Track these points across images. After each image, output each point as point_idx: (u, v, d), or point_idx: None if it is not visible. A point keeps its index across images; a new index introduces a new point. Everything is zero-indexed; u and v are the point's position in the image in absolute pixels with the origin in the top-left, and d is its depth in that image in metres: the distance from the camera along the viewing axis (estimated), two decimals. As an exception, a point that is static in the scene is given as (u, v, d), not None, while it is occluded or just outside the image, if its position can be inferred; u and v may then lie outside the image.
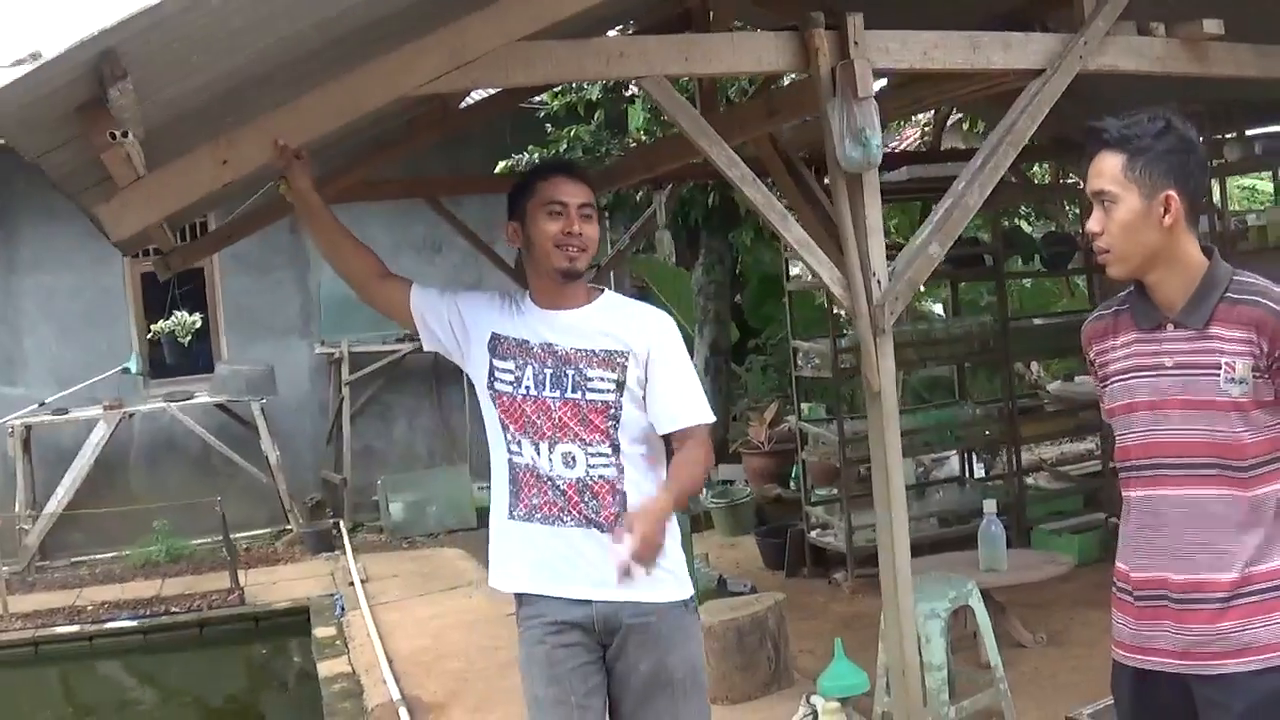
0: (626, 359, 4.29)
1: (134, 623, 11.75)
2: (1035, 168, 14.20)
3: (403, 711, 8.20)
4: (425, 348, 4.60)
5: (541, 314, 4.38)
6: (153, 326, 15.02)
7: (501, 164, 13.54)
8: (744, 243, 14.45)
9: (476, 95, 8.55)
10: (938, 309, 15.98)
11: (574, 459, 4.28)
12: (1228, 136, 10.05)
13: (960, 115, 13.89)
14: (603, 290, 4.50)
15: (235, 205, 8.83)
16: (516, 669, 4.53)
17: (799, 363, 10.99)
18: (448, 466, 15.53)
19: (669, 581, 4.32)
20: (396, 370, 15.82)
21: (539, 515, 4.31)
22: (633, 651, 4.27)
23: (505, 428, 4.36)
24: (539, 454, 4.30)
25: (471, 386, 4.58)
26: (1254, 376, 3.43)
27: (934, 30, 5.54)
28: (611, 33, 8.83)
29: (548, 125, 13.70)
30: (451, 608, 11.01)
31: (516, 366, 4.34)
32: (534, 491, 4.32)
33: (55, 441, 14.55)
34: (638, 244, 12.62)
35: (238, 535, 13.34)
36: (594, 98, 13.17)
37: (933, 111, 12.04)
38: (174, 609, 11.93)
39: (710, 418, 4.44)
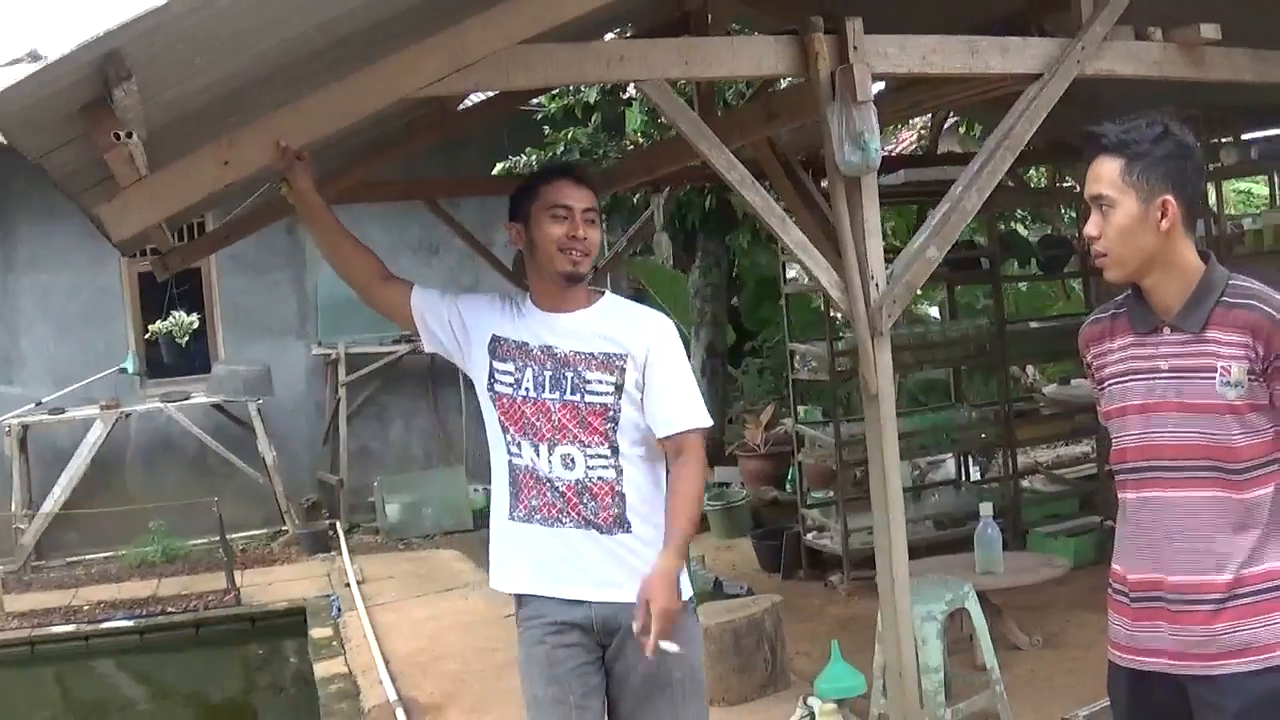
0: (625, 362, 4.30)
1: (130, 623, 11.74)
2: (1032, 171, 14.23)
3: (399, 712, 8.20)
4: (426, 349, 4.62)
5: (542, 316, 4.40)
6: (150, 326, 15.02)
7: (499, 166, 13.55)
8: (741, 245, 14.45)
9: (475, 97, 8.56)
10: (934, 312, 15.99)
11: (573, 461, 4.30)
12: (1224, 140, 10.06)
13: (957, 119, 13.90)
14: (603, 293, 4.52)
15: (233, 206, 8.84)
16: (513, 670, 4.55)
17: (796, 365, 11.00)
18: (444, 468, 15.53)
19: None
20: (393, 372, 15.83)
21: (538, 516, 4.33)
22: (631, 652, 4.28)
23: (505, 429, 4.38)
24: (538, 456, 4.32)
25: (468, 388, 4.62)
26: (1249, 380, 3.45)
27: (932, 35, 5.55)
28: (609, 36, 8.85)
29: (545, 127, 13.69)
30: (448, 609, 11.02)
31: (516, 369, 4.36)
32: (533, 493, 4.34)
33: (52, 441, 14.54)
34: (635, 246, 12.63)
35: (234, 536, 13.32)
36: (591, 100, 13.17)
37: (929, 115, 12.05)
38: (170, 609, 11.92)
39: (707, 421, 4.45)
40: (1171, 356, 3.56)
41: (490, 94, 8.42)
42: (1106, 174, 3.54)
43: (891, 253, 5.75)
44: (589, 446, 4.30)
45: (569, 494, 4.29)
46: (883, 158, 5.38)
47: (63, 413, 14.31)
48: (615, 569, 4.30)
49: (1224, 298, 3.52)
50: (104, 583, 13.25)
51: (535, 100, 13.03)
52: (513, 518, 4.38)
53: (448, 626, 10.39)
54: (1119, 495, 3.74)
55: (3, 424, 14.18)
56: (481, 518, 14.26)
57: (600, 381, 4.29)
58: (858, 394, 11.50)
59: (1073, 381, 12.16)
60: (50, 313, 14.93)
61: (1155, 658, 3.59)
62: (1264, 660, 3.45)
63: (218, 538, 12.47)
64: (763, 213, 5.47)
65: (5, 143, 3.99)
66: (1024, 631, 8.28)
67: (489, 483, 4.59)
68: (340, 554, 13.57)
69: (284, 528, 14.78)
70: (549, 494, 4.31)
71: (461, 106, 8.95)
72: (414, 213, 12.75)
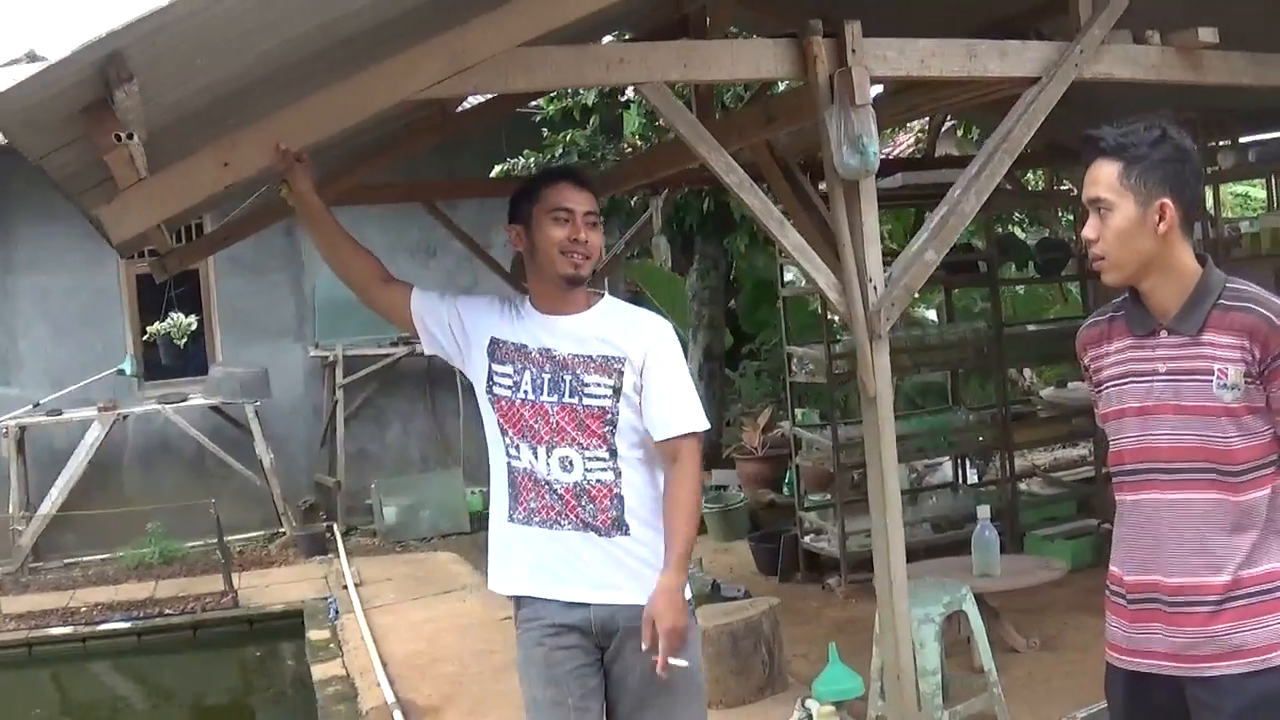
0: (623, 365, 4.31)
1: (128, 625, 11.75)
2: (1029, 174, 14.23)
3: (397, 715, 8.20)
4: (426, 351, 4.62)
5: (541, 319, 4.41)
6: (149, 328, 15.01)
7: (497, 168, 13.56)
8: (738, 248, 14.46)
9: (474, 99, 8.57)
10: (931, 315, 16.00)
11: (571, 463, 4.31)
12: (1222, 144, 10.07)
13: (954, 122, 13.91)
14: (602, 295, 4.52)
15: (231, 207, 8.84)
16: (511, 673, 4.56)
17: (793, 368, 11.01)
18: (441, 470, 15.53)
19: (667, 586, 4.35)
20: (391, 374, 15.83)
21: (537, 519, 4.34)
22: (630, 654, 4.29)
23: (504, 432, 4.38)
24: (536, 458, 4.33)
25: (465, 391, 4.63)
26: (1246, 382, 3.46)
27: (931, 38, 5.56)
28: (607, 38, 8.86)
29: (543, 130, 13.71)
30: (445, 611, 11.02)
31: (515, 371, 4.36)
32: (532, 495, 4.34)
33: (49, 442, 14.55)
34: (633, 249, 12.63)
35: (231, 538, 13.32)
36: (590, 103, 13.18)
37: (927, 118, 12.05)
38: (168, 611, 11.92)
39: (704, 425, 4.46)
40: (1169, 359, 3.57)
41: (489, 96, 8.43)
42: (1104, 177, 3.55)
43: (889, 256, 5.76)
44: (587, 449, 4.30)
45: (567, 496, 4.30)
46: (880, 161, 5.39)
47: (60, 414, 14.31)
48: (614, 571, 4.31)
49: (1221, 301, 3.53)
50: (101, 584, 13.25)
51: (534, 102, 13.05)
52: (512, 520, 4.39)
53: (445, 629, 10.39)
54: (1116, 497, 3.76)
55: (1, 425, 14.16)
56: (479, 520, 14.28)
57: (598, 384, 4.30)
58: (855, 397, 11.51)
59: (1070, 384, 12.17)
60: (48, 314, 14.93)
61: (1153, 659, 3.60)
62: (1261, 661, 3.46)
63: (215, 540, 12.48)
64: (761, 216, 5.48)
65: (4, 143, 4.00)
66: (1021, 634, 8.28)
67: (486, 485, 4.60)
68: (338, 556, 13.59)
69: (281, 530, 14.78)
70: (547, 496, 4.32)
71: (460, 108, 8.96)
72: (412, 215, 12.75)
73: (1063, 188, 12.27)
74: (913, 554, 6.21)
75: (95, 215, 4.39)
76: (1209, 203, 9.95)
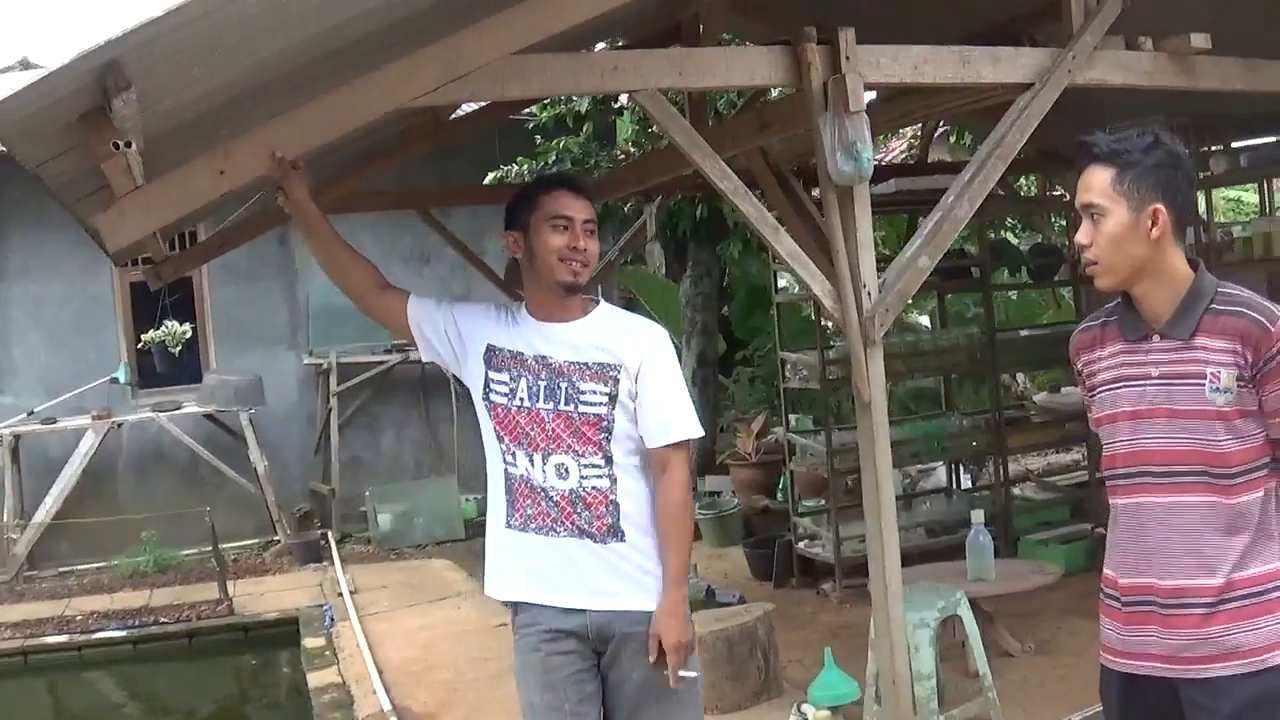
0: (618, 372, 4.32)
1: (123, 633, 11.75)
2: (1022, 180, 14.26)
3: (393, 721, 8.24)
4: (423, 358, 4.63)
5: (537, 326, 4.42)
6: (144, 336, 15.01)
7: (491, 175, 13.59)
8: (732, 255, 14.48)
9: (467, 107, 8.58)
10: (924, 320, 16.01)
11: (567, 470, 4.32)
12: (1214, 149, 10.10)
13: (947, 128, 13.94)
14: (598, 302, 4.53)
15: (225, 215, 8.86)
16: (506, 680, 4.59)
17: (787, 374, 11.01)
18: (435, 478, 15.54)
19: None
20: (384, 381, 15.84)
21: (534, 525, 4.35)
22: (626, 660, 4.31)
23: (500, 439, 4.39)
24: (533, 465, 4.34)
25: (459, 398, 4.64)
26: (1238, 386, 3.48)
27: (924, 45, 5.57)
28: (600, 45, 8.87)
29: (537, 137, 13.72)
30: (440, 619, 11.03)
31: (511, 378, 4.37)
32: (528, 502, 4.35)
33: (43, 451, 14.55)
34: (627, 255, 12.64)
35: (225, 546, 13.29)
36: (583, 110, 13.19)
37: (920, 124, 12.08)
38: (163, 619, 11.92)
39: (698, 432, 4.48)
40: (1161, 363, 3.59)
41: (482, 104, 8.44)
42: (1098, 183, 3.57)
43: (882, 262, 5.76)
44: (583, 456, 4.31)
45: (563, 503, 4.31)
46: (874, 167, 5.40)
47: (54, 422, 14.30)
48: (610, 577, 4.32)
49: (1213, 305, 3.55)
50: (96, 593, 13.25)
51: (527, 110, 13.05)
52: (509, 526, 4.40)
53: (440, 636, 10.40)
54: (1110, 501, 3.77)
55: (-6, 434, 14.18)
56: (473, 527, 14.30)
57: (594, 392, 4.31)
58: (848, 402, 11.57)
59: (1063, 389, 12.17)
60: (42, 322, 14.93)
61: (1147, 661, 3.62)
62: (1256, 663, 3.47)
63: (210, 548, 12.48)
64: (756, 222, 5.48)
65: (2, 151, 4.00)
66: (1016, 638, 8.29)
67: (480, 492, 4.63)
68: (332, 564, 13.59)
69: (276, 537, 14.76)
70: (544, 503, 4.33)
71: (453, 116, 8.97)
72: (405, 222, 12.78)
73: (1055, 193, 12.30)
74: (907, 559, 6.21)
75: (92, 223, 4.40)
76: (1201, 207, 9.97)
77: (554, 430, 4.31)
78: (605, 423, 4.31)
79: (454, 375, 4.64)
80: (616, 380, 4.32)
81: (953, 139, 14.84)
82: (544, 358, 4.35)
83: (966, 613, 6.89)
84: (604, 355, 4.34)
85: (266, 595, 12.70)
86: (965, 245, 11.66)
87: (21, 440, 14.32)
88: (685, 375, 4.41)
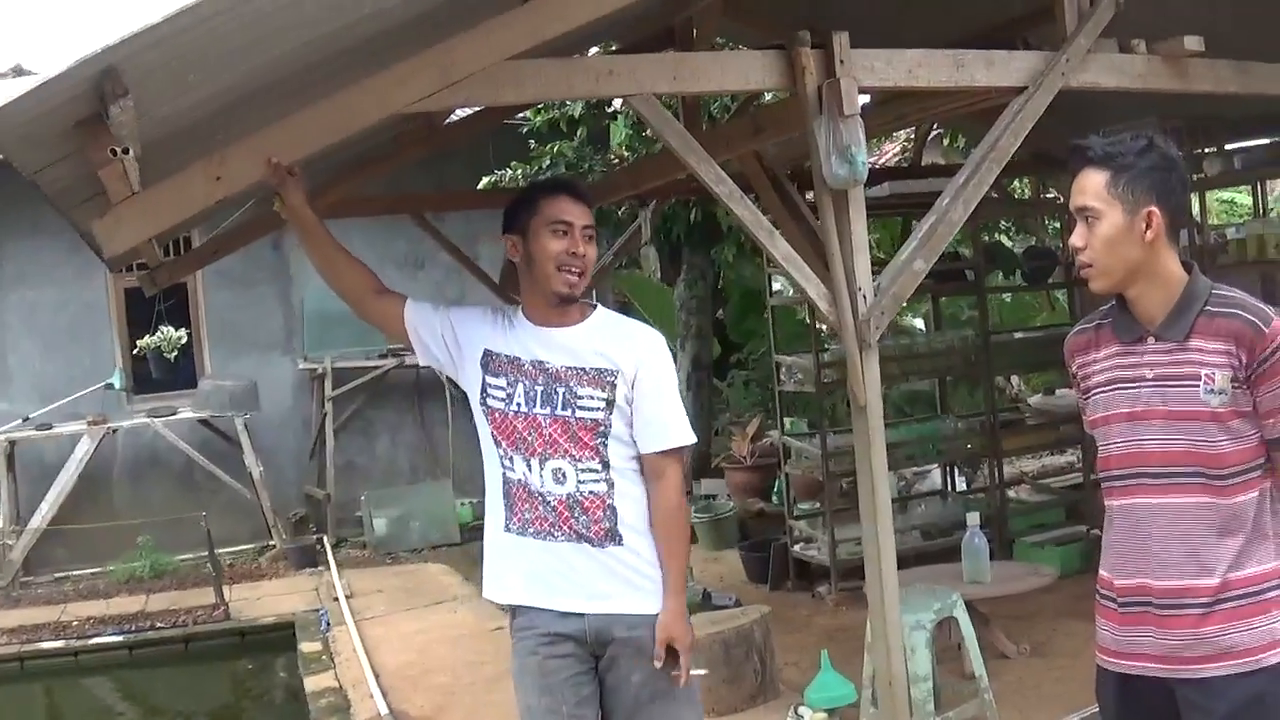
0: (616, 377, 4.33)
1: (119, 638, 11.74)
2: (1016, 183, 14.27)
3: (390, 726, 8.24)
4: (420, 363, 4.63)
5: (534, 330, 4.42)
6: (139, 342, 14.99)
7: (485, 180, 13.59)
8: (726, 258, 14.49)
9: (461, 112, 8.59)
10: (919, 323, 16.02)
11: (564, 475, 4.32)
12: (1207, 151, 10.10)
13: (941, 131, 13.95)
14: (595, 306, 4.54)
15: (220, 221, 8.85)
16: (503, 683, 4.59)
17: (781, 377, 11.02)
18: (431, 482, 15.51)
19: (660, 595, 4.38)
20: (379, 386, 15.82)
21: (531, 530, 4.35)
22: (625, 663, 4.33)
23: (497, 444, 4.40)
24: (530, 470, 4.35)
25: (454, 402, 4.64)
26: (1233, 387, 3.50)
27: (918, 49, 5.58)
28: (593, 50, 8.88)
29: (531, 141, 13.73)
30: (436, 623, 11.03)
31: (508, 383, 4.38)
32: (526, 506, 4.36)
33: (39, 456, 14.53)
34: (621, 260, 12.65)
35: (221, 551, 13.28)
36: (576, 114, 13.20)
37: (913, 128, 12.09)
38: (159, 624, 11.92)
39: (691, 439, 4.50)
40: (1156, 365, 3.60)
41: (476, 109, 8.45)
42: (1092, 186, 3.58)
43: (877, 265, 5.78)
44: (580, 461, 4.32)
45: (560, 508, 4.32)
46: (868, 170, 5.41)
47: (50, 428, 14.29)
48: (608, 581, 4.33)
49: (1207, 307, 3.57)
50: (92, 598, 13.23)
51: (521, 114, 13.05)
52: (507, 530, 4.40)
53: (437, 640, 10.40)
54: (1105, 502, 3.79)
55: (-10, 440, 14.18)
56: (468, 531, 14.30)
57: (592, 397, 4.32)
58: (843, 405, 11.58)
59: (1057, 392, 12.18)
60: (37, 328, 14.91)
61: (1143, 661, 3.63)
62: (1251, 663, 3.49)
63: (205, 553, 12.47)
64: (751, 226, 5.49)
65: (-1, 158, 4.02)
66: (1012, 640, 8.31)
67: (475, 496, 4.64)
68: (328, 568, 13.57)
69: (271, 542, 14.76)
70: (541, 508, 4.33)
71: (448, 121, 8.98)
72: (399, 227, 12.75)
73: (1049, 196, 12.29)
74: (903, 561, 6.22)
75: (88, 229, 4.40)
76: (1195, 209, 9.99)
77: (551, 435, 4.32)
78: (602, 428, 4.32)
79: (450, 379, 4.64)
80: (614, 385, 4.32)
81: (946, 142, 14.84)
82: (541, 363, 4.36)
83: (962, 615, 6.90)
84: (602, 360, 4.34)
85: (262, 600, 12.69)
86: (959, 248, 11.67)
87: (17, 446, 14.31)
88: (680, 379, 4.43)
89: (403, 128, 7.80)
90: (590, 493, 4.32)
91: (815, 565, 10.68)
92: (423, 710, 8.56)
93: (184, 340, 15.09)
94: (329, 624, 11.12)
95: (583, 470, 4.32)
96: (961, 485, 12.15)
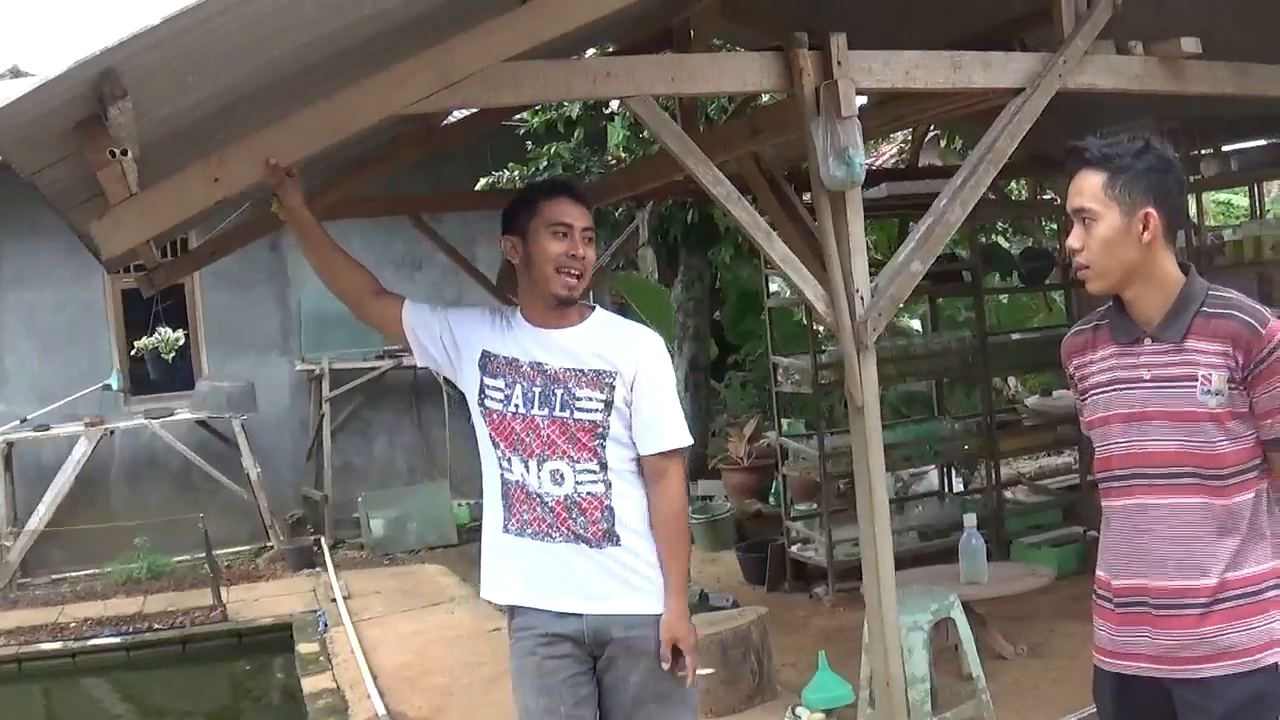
0: (614, 379, 4.33)
1: (117, 639, 11.73)
2: (1013, 184, 14.28)
3: (388, 727, 8.24)
4: (418, 363, 4.63)
5: (532, 332, 4.42)
6: (136, 343, 14.98)
7: (482, 181, 13.59)
8: (723, 260, 14.50)
9: (458, 113, 8.59)
10: (916, 325, 16.03)
11: (562, 476, 4.32)
12: (1204, 152, 10.12)
13: (937, 132, 13.96)
14: (593, 308, 4.54)
15: (217, 222, 8.86)
16: (500, 684, 4.60)
17: (778, 378, 11.02)
18: (428, 483, 15.51)
19: (658, 595, 4.38)
20: (376, 387, 15.82)
21: (529, 531, 4.36)
22: (623, 663, 4.33)
23: (495, 445, 4.40)
24: (528, 471, 4.35)
25: (451, 403, 4.64)
26: (1230, 388, 3.51)
27: (916, 50, 5.59)
28: (590, 52, 8.89)
29: (528, 142, 13.73)
30: (434, 624, 11.03)
31: (506, 385, 4.38)
32: (524, 507, 4.36)
33: (36, 458, 14.53)
34: (619, 261, 12.66)
35: (219, 552, 13.27)
36: (574, 115, 13.22)
37: (910, 129, 12.09)
38: (157, 626, 11.91)
39: (689, 441, 4.51)
40: (1153, 366, 3.61)
41: (474, 110, 8.46)
42: (1089, 187, 3.59)
43: (873, 266, 5.78)
44: (578, 462, 4.32)
45: (558, 509, 4.32)
46: (865, 171, 5.42)
47: (47, 429, 14.28)
48: (606, 582, 4.33)
49: (1204, 308, 3.58)
50: (90, 600, 13.22)
51: (518, 116, 13.06)
52: (506, 531, 4.41)
53: (434, 641, 10.40)
54: (1102, 503, 3.80)
55: (-13, 441, 14.17)
56: (466, 532, 14.31)
57: (590, 398, 4.32)
58: (840, 406, 11.59)
59: (1054, 393, 12.19)
60: (34, 329, 14.90)
61: (1140, 662, 3.64)
62: (1249, 662, 3.50)
63: (203, 554, 12.46)
64: (749, 228, 5.49)
65: (-2, 160, 4.02)
66: (1009, 641, 8.32)
67: (473, 497, 4.65)
68: (325, 569, 13.58)
69: (269, 544, 14.76)
70: (539, 509, 4.34)
71: (445, 122, 8.98)
72: (396, 228, 12.77)
73: (1046, 197, 12.31)
74: (900, 562, 6.22)
75: (87, 231, 4.40)
76: (1192, 211, 10.00)
77: (549, 436, 4.32)
78: (601, 429, 4.32)
79: (448, 380, 4.64)
80: (613, 387, 4.33)
81: (943, 143, 14.86)
82: (540, 364, 4.36)
83: (960, 616, 6.91)
84: (601, 362, 4.34)
85: (260, 601, 12.69)
86: (956, 249, 11.68)
87: (14, 447, 14.31)
88: (677, 380, 4.43)
89: (401, 129, 7.81)
90: (588, 494, 4.32)
91: (812, 566, 10.68)
92: (420, 711, 8.56)
93: (181, 341, 15.08)
94: (326, 625, 11.12)
95: (581, 471, 4.32)
96: (959, 486, 12.15)
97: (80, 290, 14.75)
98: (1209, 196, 12.62)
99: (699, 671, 4.40)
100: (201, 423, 14.87)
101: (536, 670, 4.35)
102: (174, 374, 15.19)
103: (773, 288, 11.25)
